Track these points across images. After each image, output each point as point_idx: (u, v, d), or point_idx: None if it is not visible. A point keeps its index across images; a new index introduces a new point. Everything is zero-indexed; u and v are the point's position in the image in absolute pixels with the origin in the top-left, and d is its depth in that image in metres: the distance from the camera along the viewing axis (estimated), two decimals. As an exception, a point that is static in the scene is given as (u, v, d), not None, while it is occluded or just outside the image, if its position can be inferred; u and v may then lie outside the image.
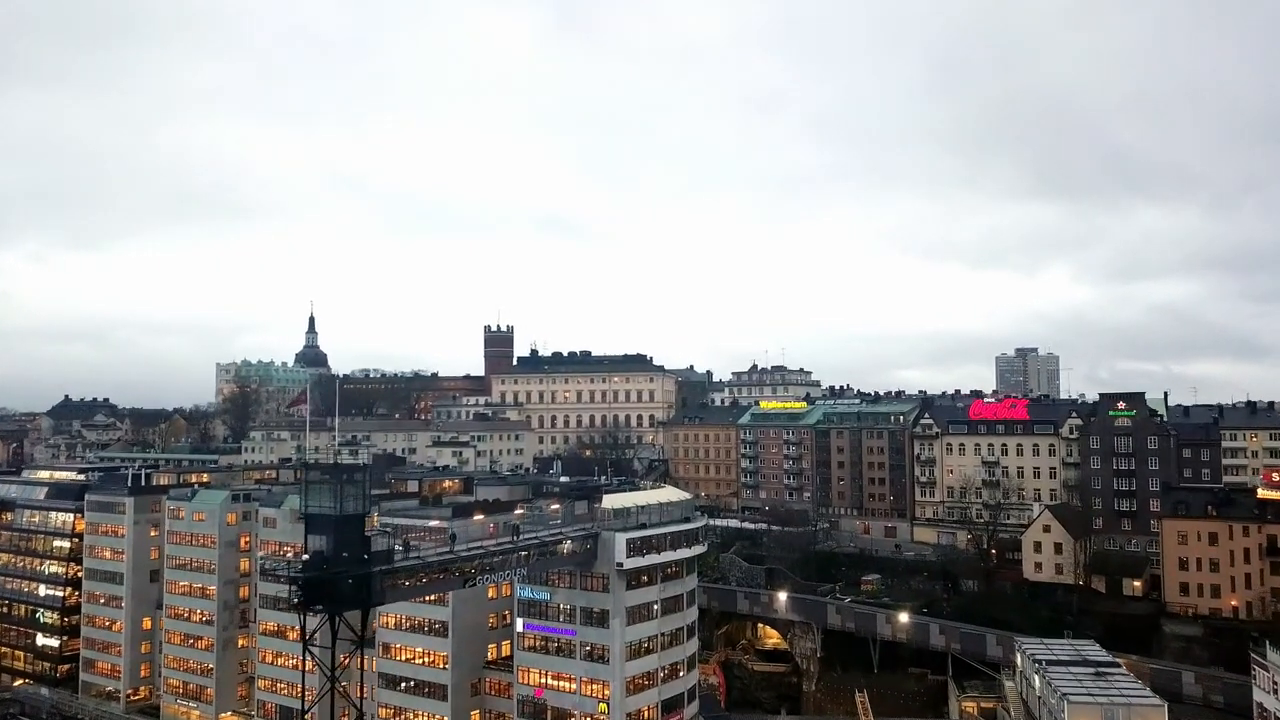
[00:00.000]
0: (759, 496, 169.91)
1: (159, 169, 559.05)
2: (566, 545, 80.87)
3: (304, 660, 64.54)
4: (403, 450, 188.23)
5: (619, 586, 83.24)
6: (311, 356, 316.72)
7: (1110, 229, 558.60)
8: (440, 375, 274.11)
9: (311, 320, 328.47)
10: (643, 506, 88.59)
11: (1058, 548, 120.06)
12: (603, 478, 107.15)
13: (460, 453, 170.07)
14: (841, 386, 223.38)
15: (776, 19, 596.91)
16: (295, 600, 63.00)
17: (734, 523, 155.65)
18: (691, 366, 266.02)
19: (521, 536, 77.56)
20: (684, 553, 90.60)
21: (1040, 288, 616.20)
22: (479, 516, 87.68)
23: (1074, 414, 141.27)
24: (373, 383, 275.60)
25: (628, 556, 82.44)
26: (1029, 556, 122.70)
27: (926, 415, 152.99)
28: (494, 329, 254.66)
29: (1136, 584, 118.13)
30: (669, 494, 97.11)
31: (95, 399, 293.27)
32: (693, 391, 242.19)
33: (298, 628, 67.81)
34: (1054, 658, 78.94)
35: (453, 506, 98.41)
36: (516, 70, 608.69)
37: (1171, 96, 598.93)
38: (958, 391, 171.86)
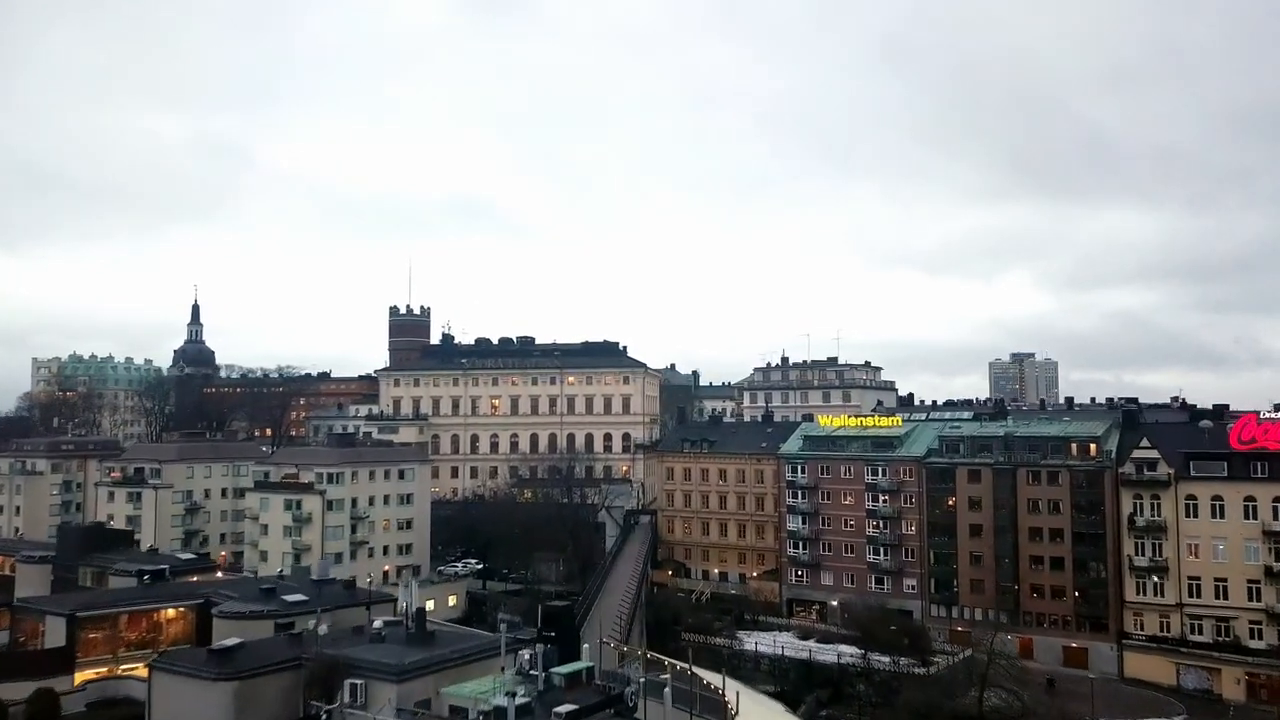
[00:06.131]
0: (820, 582, 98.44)
1: (66, 160, 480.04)
2: None
3: None
4: (226, 492, 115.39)
5: None
6: (194, 354, 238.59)
7: (1074, 233, 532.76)
8: (333, 376, 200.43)
9: (195, 310, 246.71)
10: None
11: None
12: (523, 632, 35.85)
13: (299, 504, 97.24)
14: (903, 394, 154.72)
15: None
16: None
17: (789, 640, 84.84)
18: (673, 365, 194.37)
19: None
20: None
21: (999, 295, 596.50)
22: None
23: None
24: (234, 384, 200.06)
25: None
26: None
27: (1145, 442, 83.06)
28: (404, 311, 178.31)
29: None
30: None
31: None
32: (676, 397, 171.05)
33: None
34: None
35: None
36: (438, 52, 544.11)
37: (1149, 82, 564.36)
38: (1195, 404, 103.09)
